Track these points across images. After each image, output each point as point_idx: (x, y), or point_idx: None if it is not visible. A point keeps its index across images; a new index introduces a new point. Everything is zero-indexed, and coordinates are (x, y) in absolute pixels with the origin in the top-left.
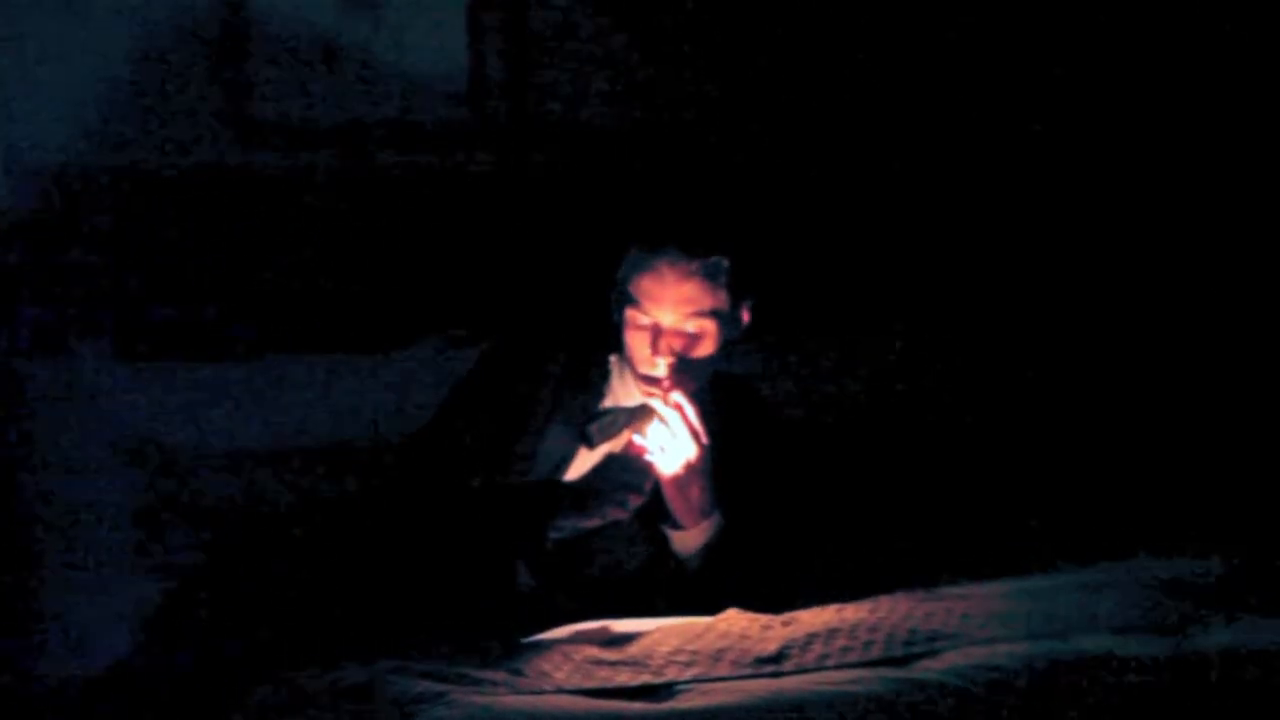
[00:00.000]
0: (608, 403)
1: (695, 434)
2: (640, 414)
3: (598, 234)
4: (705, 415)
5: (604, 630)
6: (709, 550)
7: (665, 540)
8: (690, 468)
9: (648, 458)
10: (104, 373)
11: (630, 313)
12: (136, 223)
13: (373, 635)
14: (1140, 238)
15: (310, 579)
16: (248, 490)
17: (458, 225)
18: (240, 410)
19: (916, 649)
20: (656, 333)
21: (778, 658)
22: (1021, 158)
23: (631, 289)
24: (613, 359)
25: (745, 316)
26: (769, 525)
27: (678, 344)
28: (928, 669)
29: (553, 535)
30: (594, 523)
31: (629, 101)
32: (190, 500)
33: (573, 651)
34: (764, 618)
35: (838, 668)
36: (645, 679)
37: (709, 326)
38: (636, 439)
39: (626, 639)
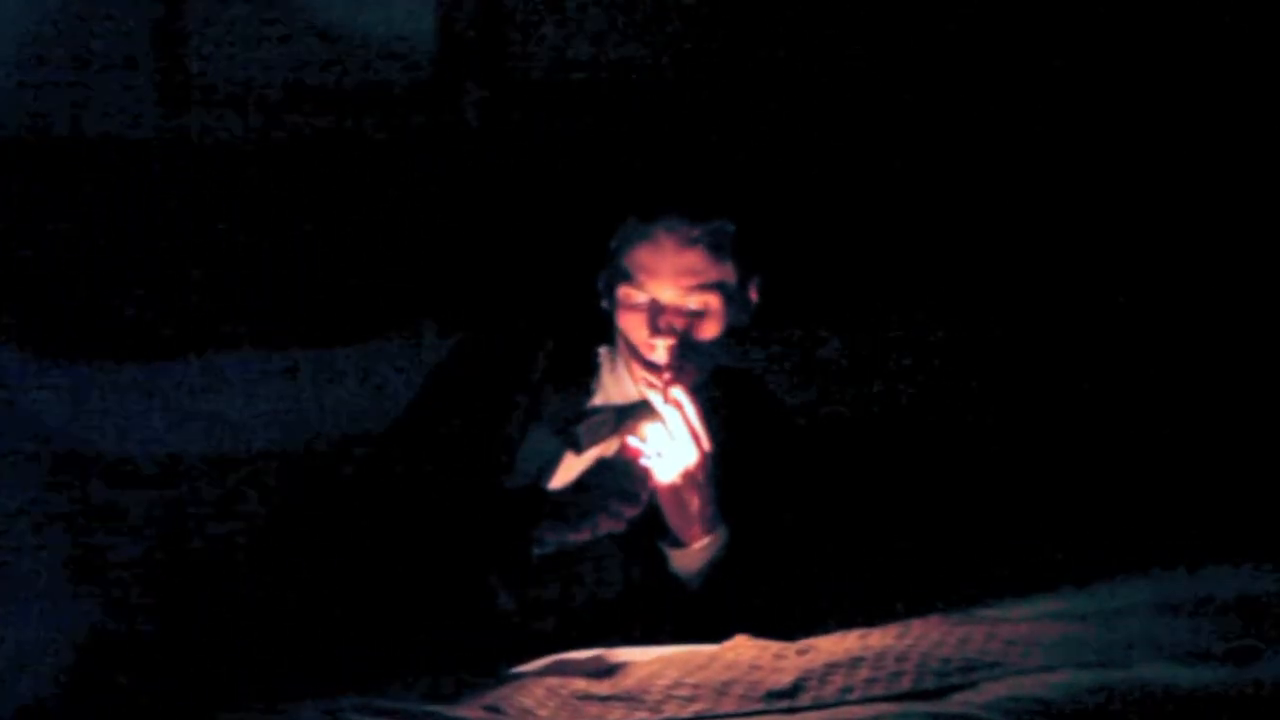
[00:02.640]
0: (597, 401)
1: (696, 436)
2: (634, 414)
3: (584, 208)
4: (708, 415)
5: (594, 660)
6: (713, 569)
7: (663, 558)
8: (690, 475)
9: (643, 463)
10: (21, 372)
11: (625, 290)
12: (54, 203)
13: (332, 667)
14: (1154, 234)
15: (260, 602)
16: (187, 502)
17: (426, 200)
18: (176, 413)
19: (951, 680)
20: (655, 311)
21: (792, 691)
22: (1024, 153)
23: (626, 263)
24: (602, 351)
25: (753, 296)
26: (780, 540)
27: (679, 323)
28: (965, 703)
29: (536, 551)
30: (583, 536)
31: (620, 60)
32: (122, 514)
33: (559, 685)
34: (776, 646)
35: (861, 702)
36: (641, 717)
37: (713, 302)
38: (631, 441)
39: (620, 670)
